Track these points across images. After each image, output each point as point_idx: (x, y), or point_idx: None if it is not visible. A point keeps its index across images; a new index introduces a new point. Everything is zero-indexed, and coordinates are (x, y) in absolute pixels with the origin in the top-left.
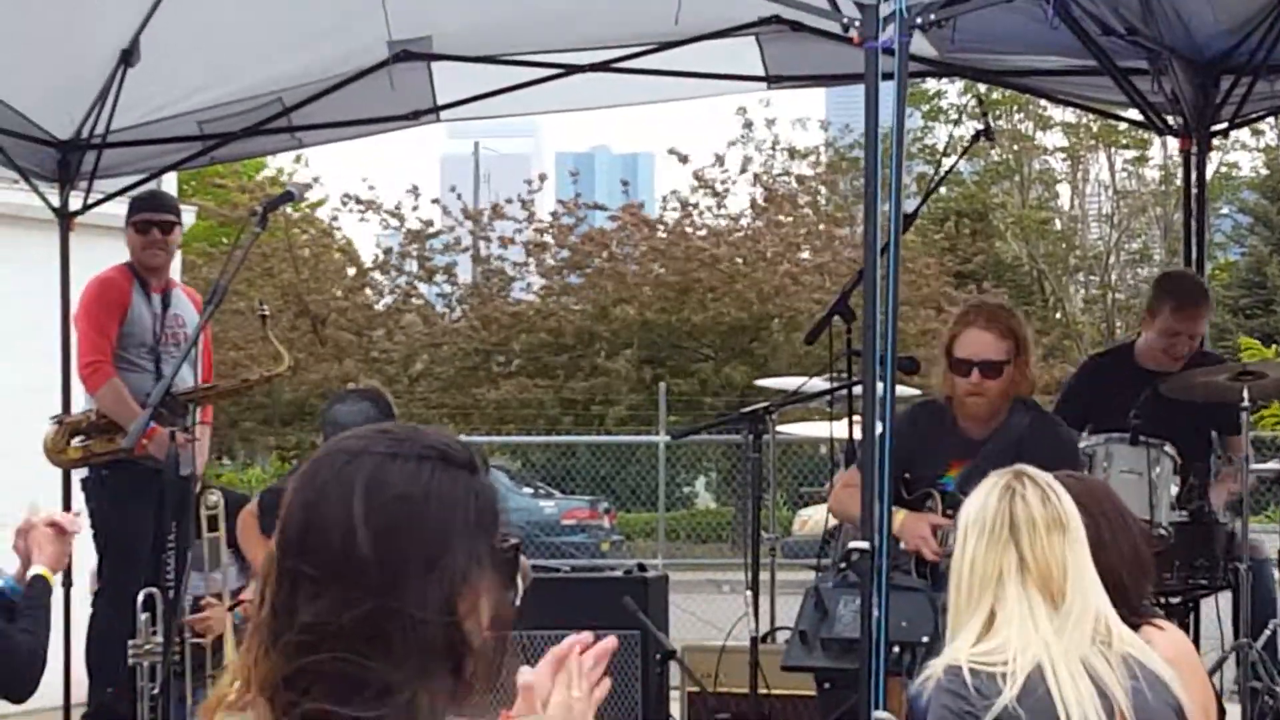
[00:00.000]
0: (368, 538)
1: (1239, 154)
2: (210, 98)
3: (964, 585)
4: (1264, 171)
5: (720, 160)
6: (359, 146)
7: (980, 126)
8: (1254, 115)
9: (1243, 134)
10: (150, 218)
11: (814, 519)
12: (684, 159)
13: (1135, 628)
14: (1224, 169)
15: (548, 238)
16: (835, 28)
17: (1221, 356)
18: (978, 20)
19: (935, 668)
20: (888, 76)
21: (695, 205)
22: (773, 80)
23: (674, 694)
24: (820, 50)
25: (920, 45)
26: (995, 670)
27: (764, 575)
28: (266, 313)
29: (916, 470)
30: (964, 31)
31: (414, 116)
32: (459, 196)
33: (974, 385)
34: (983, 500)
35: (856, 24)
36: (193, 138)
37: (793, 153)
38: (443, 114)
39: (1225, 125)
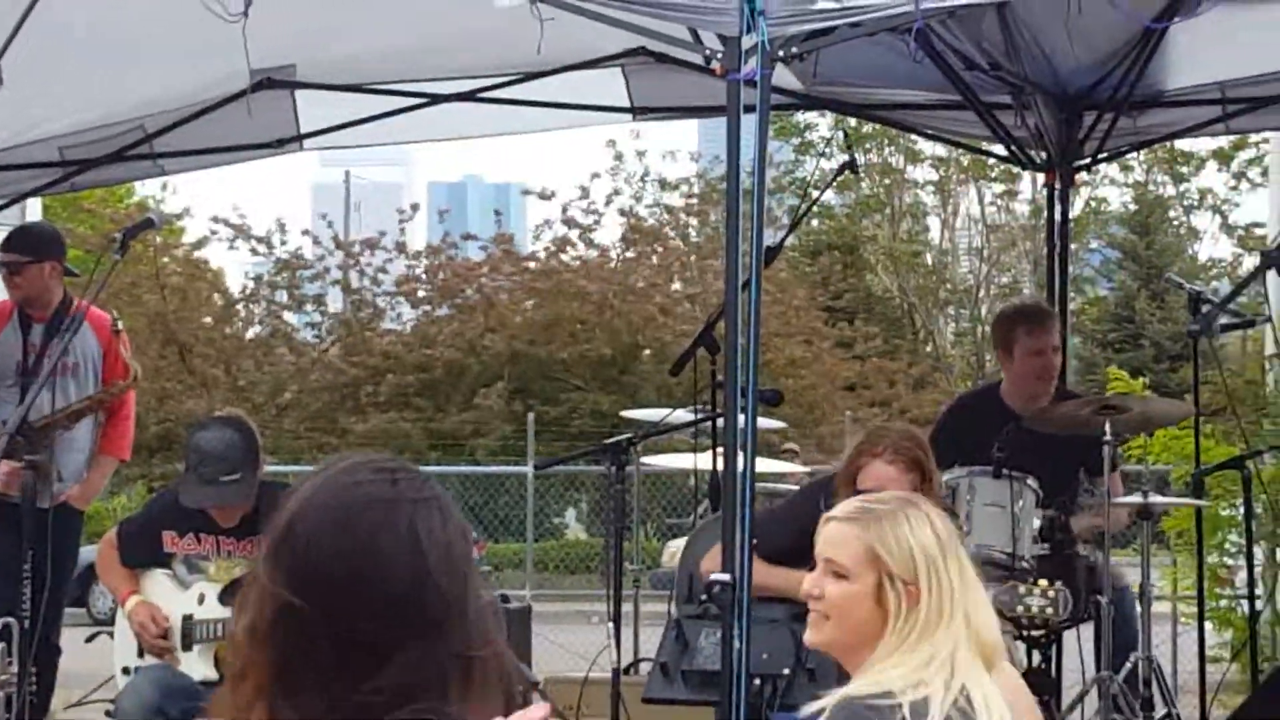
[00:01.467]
0: (438, 592)
1: (1108, 189)
2: (72, 123)
3: (933, 614)
4: (1133, 207)
5: (585, 193)
6: (229, 173)
7: (846, 159)
8: (1117, 151)
9: (1112, 169)
10: None
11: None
12: (547, 196)
13: None
14: (1093, 204)
15: (419, 271)
16: (699, 59)
17: (1082, 393)
18: (842, 53)
19: (831, 698)
20: (750, 109)
21: (570, 243)
22: (638, 111)
23: None
24: (685, 82)
25: (784, 78)
26: (891, 703)
27: (628, 607)
28: (120, 327)
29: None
30: (828, 65)
31: (278, 144)
32: (330, 224)
33: None
34: (930, 528)
35: (719, 56)
36: (53, 164)
37: (663, 184)
38: (307, 142)
39: (1089, 160)
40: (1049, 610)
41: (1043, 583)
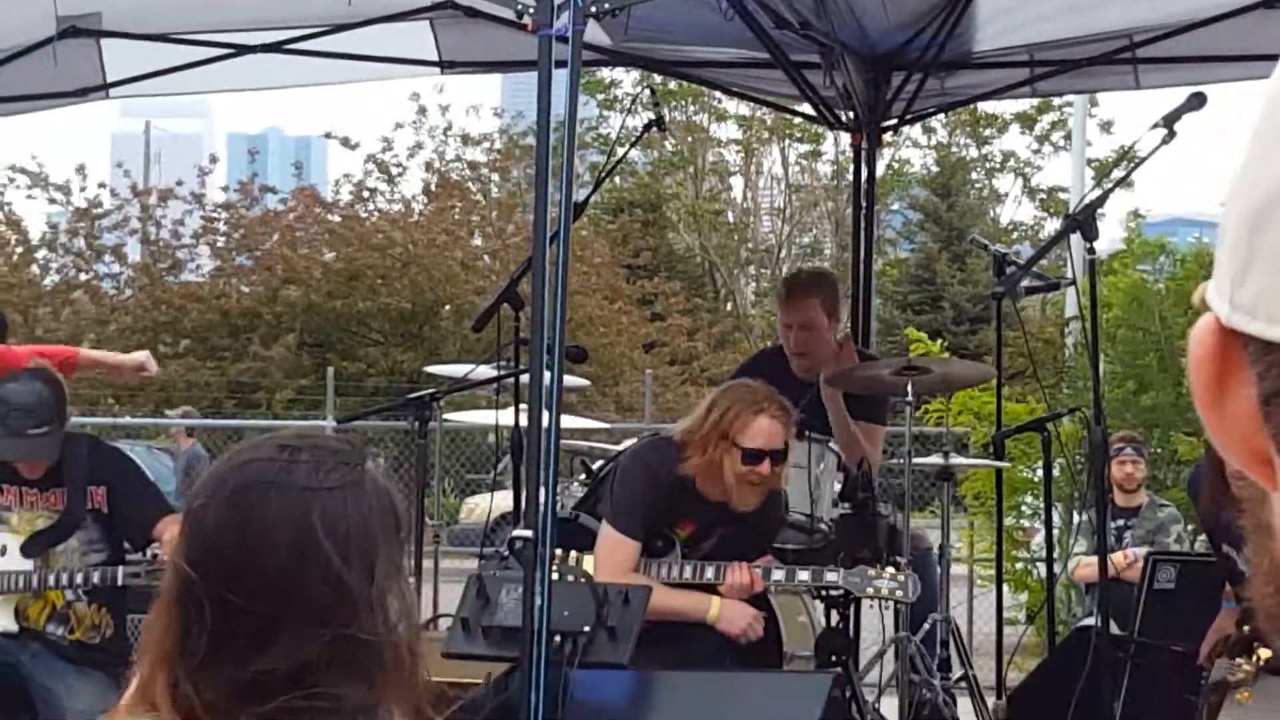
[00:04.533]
0: (329, 576)
1: (911, 151)
2: None
3: None
4: (934, 169)
5: (389, 144)
6: (28, 120)
7: (653, 116)
8: (924, 112)
9: (915, 131)
10: None
11: (481, 506)
12: (351, 145)
13: None
14: (896, 165)
15: (219, 222)
16: (510, 14)
17: (878, 355)
18: (653, 10)
19: None
20: (561, 64)
21: (371, 190)
22: (446, 65)
23: None
24: (494, 36)
25: (594, 33)
26: None
27: (428, 563)
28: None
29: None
30: (638, 21)
31: (82, 94)
32: (126, 174)
33: (764, 475)
34: None
35: (531, 11)
36: None
37: (466, 139)
38: (112, 92)
39: (896, 121)
40: (899, 593)
41: (890, 569)
